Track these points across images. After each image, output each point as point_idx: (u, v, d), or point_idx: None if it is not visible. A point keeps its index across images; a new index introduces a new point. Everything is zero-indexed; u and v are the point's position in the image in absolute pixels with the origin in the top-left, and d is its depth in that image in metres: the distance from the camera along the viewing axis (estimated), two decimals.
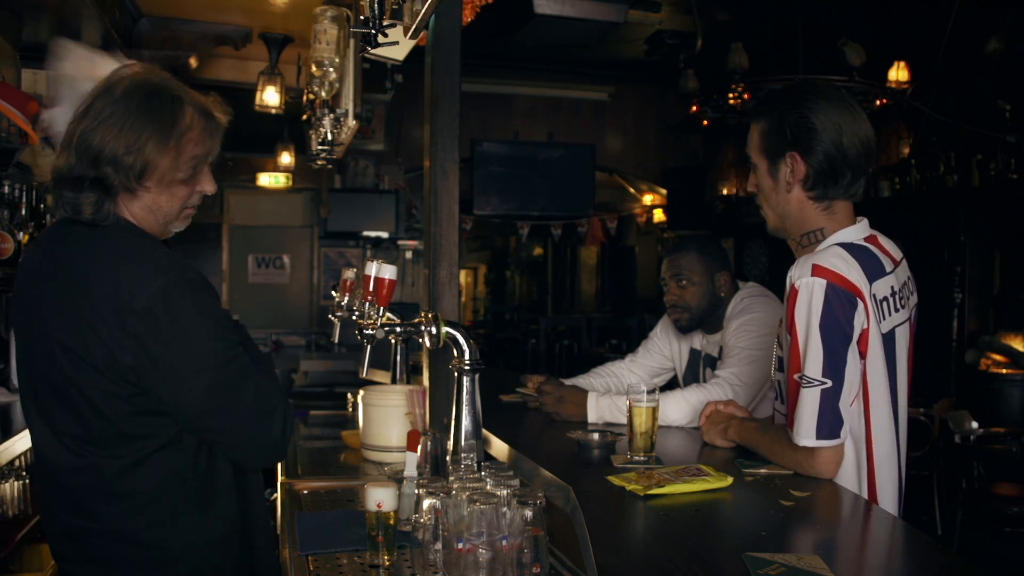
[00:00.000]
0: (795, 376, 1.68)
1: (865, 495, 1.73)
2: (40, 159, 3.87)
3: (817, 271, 1.64)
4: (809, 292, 1.64)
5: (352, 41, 2.80)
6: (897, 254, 1.81)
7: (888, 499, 1.75)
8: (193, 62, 4.29)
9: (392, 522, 1.55)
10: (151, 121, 1.50)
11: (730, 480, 1.65)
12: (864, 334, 1.66)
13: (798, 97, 1.74)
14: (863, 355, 1.67)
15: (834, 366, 1.63)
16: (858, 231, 1.78)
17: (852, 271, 1.66)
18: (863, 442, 1.72)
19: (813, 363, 1.64)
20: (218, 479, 1.57)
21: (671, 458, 1.89)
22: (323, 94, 2.79)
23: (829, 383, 1.63)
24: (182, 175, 1.55)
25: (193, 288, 1.48)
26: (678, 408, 2.29)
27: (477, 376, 1.92)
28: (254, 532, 1.65)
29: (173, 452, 1.51)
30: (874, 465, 1.73)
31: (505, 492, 1.36)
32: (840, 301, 1.63)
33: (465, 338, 1.93)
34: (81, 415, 1.46)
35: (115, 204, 1.52)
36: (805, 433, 1.66)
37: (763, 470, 1.76)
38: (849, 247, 1.72)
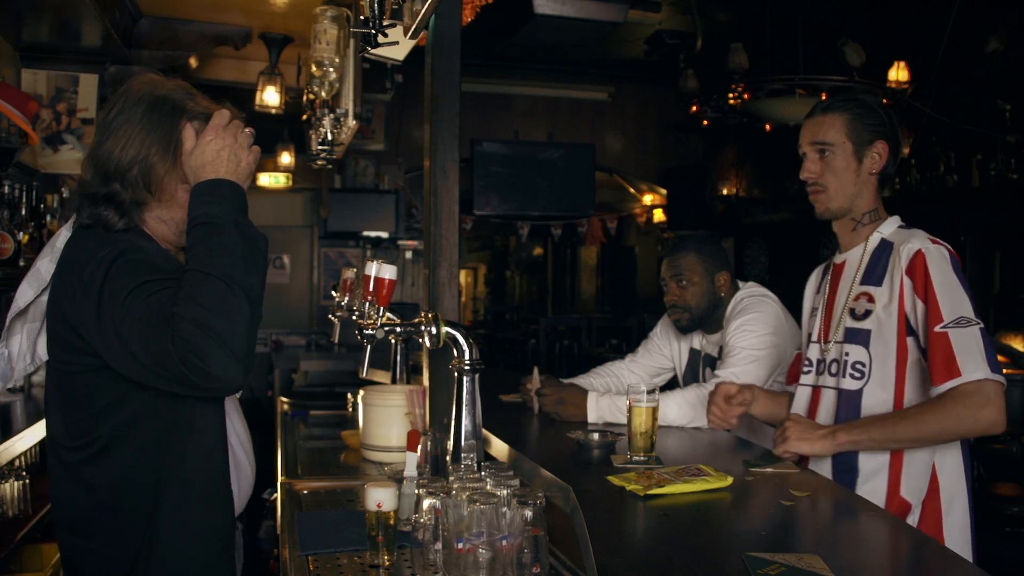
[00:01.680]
0: (938, 328, 1.73)
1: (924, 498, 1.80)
2: (40, 159, 3.87)
3: (934, 241, 1.84)
4: (940, 254, 1.80)
5: (352, 41, 2.80)
6: None
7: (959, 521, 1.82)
8: (193, 62, 4.29)
9: (392, 522, 1.55)
10: (152, 131, 1.53)
11: (730, 480, 1.66)
12: None
13: (872, 99, 2.04)
14: None
15: (978, 313, 1.75)
16: (897, 218, 1.99)
17: None
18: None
19: (965, 306, 1.74)
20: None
21: (671, 458, 1.89)
22: (323, 94, 2.79)
23: (981, 323, 1.73)
24: (188, 185, 1.54)
25: (132, 261, 1.48)
26: (678, 408, 2.29)
27: (477, 376, 1.93)
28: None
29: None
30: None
31: (505, 492, 1.36)
32: (960, 267, 1.82)
33: (465, 338, 1.93)
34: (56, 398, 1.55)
35: (135, 216, 1.56)
36: (976, 367, 1.68)
37: (768, 469, 1.76)
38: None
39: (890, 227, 1.95)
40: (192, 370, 1.33)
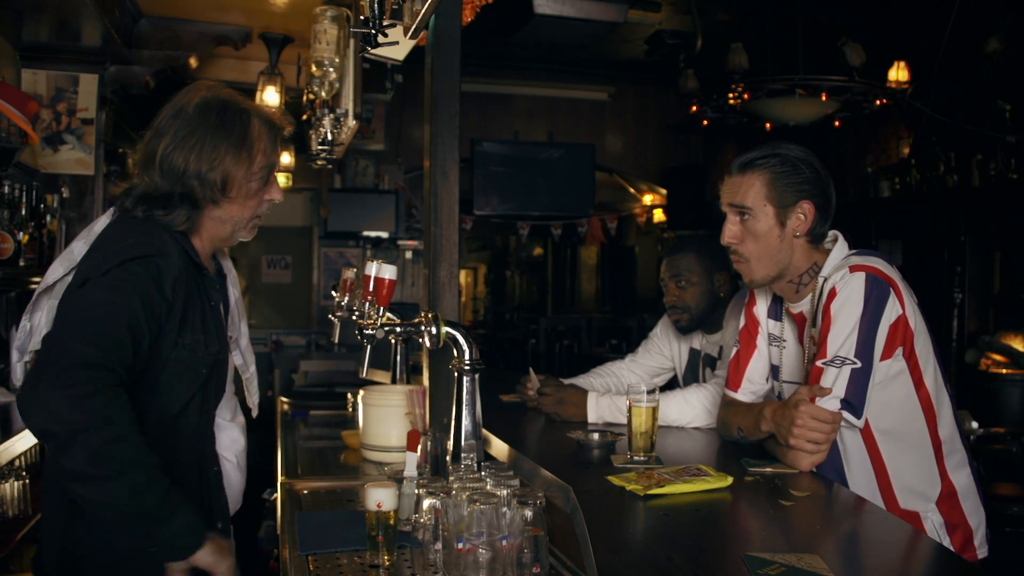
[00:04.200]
0: (819, 362, 1.77)
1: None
2: (40, 159, 3.87)
3: (855, 268, 1.75)
4: (852, 285, 1.75)
5: (352, 41, 2.80)
6: None
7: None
8: (193, 62, 4.29)
9: (392, 522, 1.55)
10: (226, 136, 1.63)
11: (730, 480, 1.66)
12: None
13: (798, 151, 1.85)
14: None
15: (865, 351, 1.76)
16: (843, 247, 1.87)
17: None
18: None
19: (848, 345, 1.74)
20: None
21: (671, 458, 1.89)
22: (323, 94, 2.79)
23: (858, 363, 1.74)
24: (255, 185, 1.67)
25: (140, 276, 1.51)
26: (678, 408, 2.29)
27: (477, 376, 1.92)
28: None
29: None
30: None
31: (505, 492, 1.36)
32: (883, 291, 1.74)
33: (465, 338, 1.93)
34: None
35: (196, 216, 1.64)
36: (827, 400, 1.74)
37: (768, 469, 1.76)
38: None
39: (830, 265, 1.84)
40: (24, 401, 1.37)
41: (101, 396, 1.36)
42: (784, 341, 1.98)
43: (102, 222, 1.68)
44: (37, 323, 1.69)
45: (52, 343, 1.44)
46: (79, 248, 1.66)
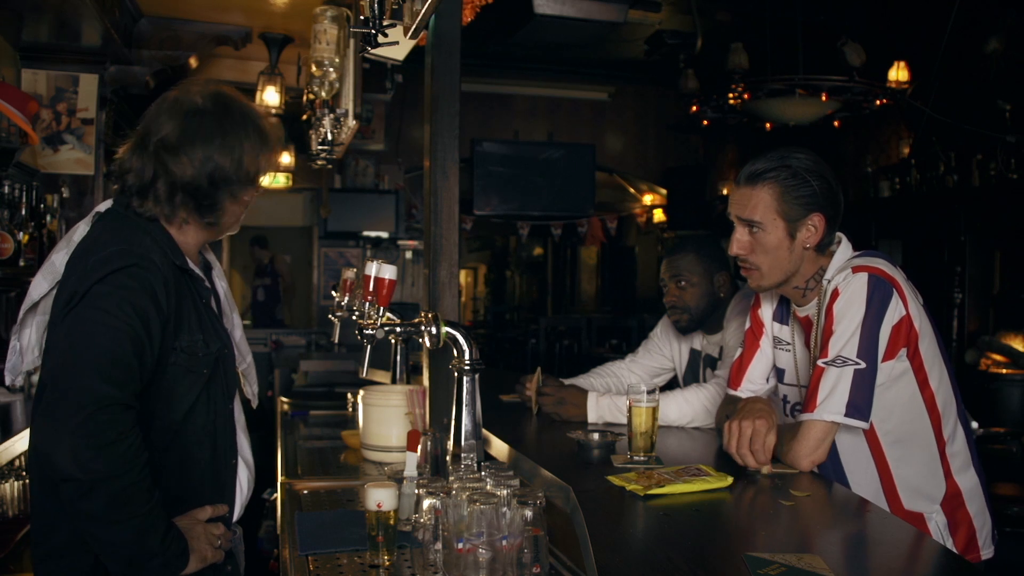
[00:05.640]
0: (819, 361, 1.77)
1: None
2: (40, 159, 3.87)
3: (858, 269, 1.75)
4: (854, 284, 1.73)
5: (352, 41, 2.80)
6: None
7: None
8: (193, 62, 4.29)
9: (392, 522, 1.55)
10: (250, 128, 1.66)
11: (730, 480, 1.66)
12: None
13: (808, 161, 1.82)
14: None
15: (869, 351, 1.75)
16: (847, 248, 1.87)
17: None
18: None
19: (851, 344, 1.73)
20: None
21: (671, 458, 1.89)
22: (323, 94, 2.79)
23: (862, 364, 1.73)
24: (264, 179, 1.71)
25: (129, 288, 1.49)
26: (678, 408, 2.29)
27: (477, 376, 1.92)
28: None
29: None
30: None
31: (505, 492, 1.36)
32: (886, 291, 1.74)
33: (465, 338, 1.93)
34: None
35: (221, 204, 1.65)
36: (828, 408, 1.74)
37: (764, 468, 1.76)
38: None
39: (834, 267, 1.84)
40: (48, 443, 1.41)
41: (124, 441, 1.42)
42: (790, 345, 1.98)
43: (81, 230, 1.63)
44: (26, 342, 1.65)
45: (66, 379, 1.42)
46: (60, 259, 1.61)
